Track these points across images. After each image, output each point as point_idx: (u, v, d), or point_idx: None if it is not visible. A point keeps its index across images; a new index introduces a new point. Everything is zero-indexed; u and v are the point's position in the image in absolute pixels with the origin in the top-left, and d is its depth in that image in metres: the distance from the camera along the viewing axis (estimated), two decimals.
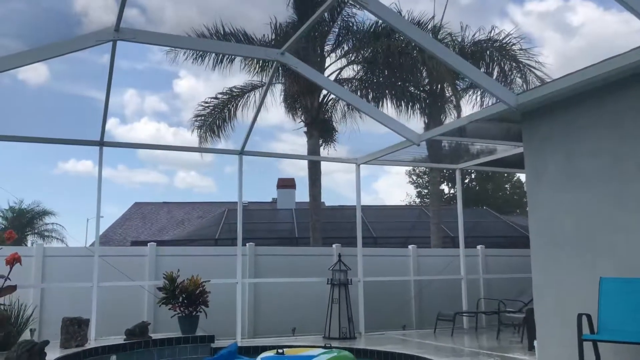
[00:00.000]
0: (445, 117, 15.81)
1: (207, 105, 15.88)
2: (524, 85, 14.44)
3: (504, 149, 10.42)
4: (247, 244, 11.36)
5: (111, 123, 34.91)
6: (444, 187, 35.39)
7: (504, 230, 20.96)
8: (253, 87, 15.75)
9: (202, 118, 15.82)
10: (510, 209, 34.01)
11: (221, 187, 50.37)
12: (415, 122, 15.60)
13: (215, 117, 15.81)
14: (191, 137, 15.72)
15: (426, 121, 15.65)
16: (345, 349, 7.57)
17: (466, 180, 36.52)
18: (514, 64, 14.75)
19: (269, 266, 11.60)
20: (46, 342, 6.16)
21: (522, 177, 35.54)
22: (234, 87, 15.79)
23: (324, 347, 7.56)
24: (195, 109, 16.03)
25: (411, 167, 36.64)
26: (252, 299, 11.25)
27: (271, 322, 11.10)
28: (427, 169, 32.92)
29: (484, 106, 15.33)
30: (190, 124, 15.86)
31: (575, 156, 6.53)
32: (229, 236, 18.77)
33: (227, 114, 15.83)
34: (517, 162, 10.48)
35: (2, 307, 7.42)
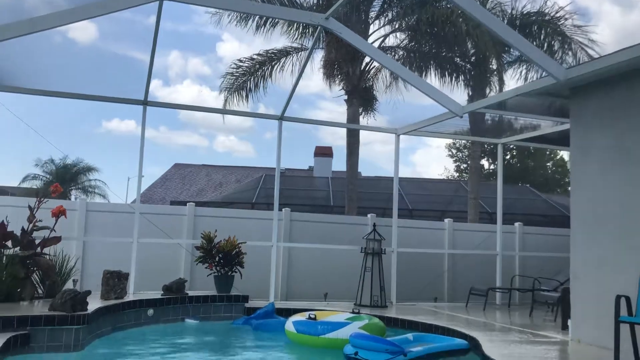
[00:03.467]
0: (490, 91, 15.45)
1: (240, 65, 15.39)
2: (574, 62, 13.94)
3: (548, 125, 10.15)
4: (283, 209, 11.46)
5: (154, 84, 35.38)
6: (484, 163, 34.82)
7: (544, 208, 20.58)
8: (289, 52, 15.47)
9: (234, 78, 15.34)
10: (551, 188, 33.27)
11: (260, 152, 50.79)
12: (459, 94, 15.32)
13: (247, 79, 15.41)
14: (235, 103, 15.55)
15: (470, 93, 15.33)
16: (376, 317, 7.64)
17: (507, 157, 35.82)
18: (565, 39, 14.22)
19: (304, 232, 11.70)
20: (88, 292, 6.40)
21: (565, 155, 34.64)
22: (271, 49, 15.43)
23: (352, 312, 7.66)
24: (227, 67, 15.65)
25: (451, 141, 36.11)
26: (286, 263, 11.41)
27: (304, 286, 11.26)
28: (468, 143, 32.37)
29: (528, 81, 14.92)
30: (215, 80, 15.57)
31: (627, 134, 6.31)
32: (265, 201, 18.99)
33: (260, 77, 15.48)
34: (561, 139, 10.20)
35: (47, 257, 7.72)
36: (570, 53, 14.30)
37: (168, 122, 52.21)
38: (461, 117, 9.00)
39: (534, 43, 14.31)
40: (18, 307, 6.62)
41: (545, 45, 14.48)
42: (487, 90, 15.57)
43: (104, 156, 52.47)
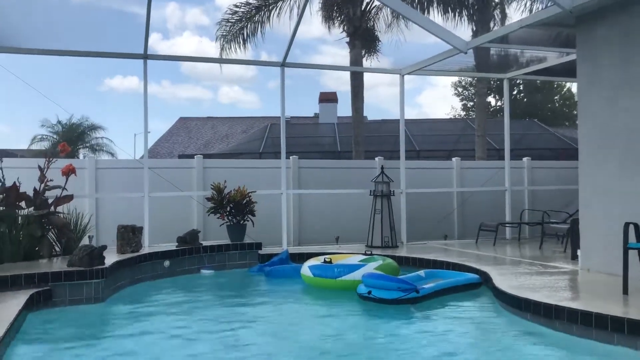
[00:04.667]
0: (495, 25, 15.12)
1: (236, 10, 14.96)
2: None
3: (554, 57, 9.96)
4: (290, 157, 11.49)
5: (154, 38, 34.87)
6: (491, 100, 34.46)
7: (552, 142, 20.48)
8: None
9: (230, 25, 14.96)
10: (559, 121, 32.99)
11: (264, 101, 50.48)
12: (463, 30, 14.99)
13: (244, 26, 15.02)
14: (235, 51, 15.27)
15: (474, 29, 15.00)
16: (387, 256, 7.76)
17: (514, 92, 35.39)
18: None
19: (312, 179, 11.76)
20: (104, 247, 6.54)
21: (573, 88, 34.11)
22: None
23: (365, 254, 7.79)
24: (222, 13, 15.35)
25: (457, 79, 35.65)
26: (296, 210, 11.53)
27: (315, 231, 11.41)
28: (474, 80, 31.93)
29: (533, 12, 14.55)
30: (215, 32, 15.09)
31: (635, 61, 6.20)
32: (272, 150, 19.01)
33: (258, 23, 15.05)
34: (567, 71, 10.05)
35: (61, 215, 7.85)
36: None
37: (170, 76, 51.71)
38: (465, 53, 8.84)
39: None
40: (38, 264, 6.78)
41: None
42: (492, 25, 15.23)
43: (109, 114, 52.33)
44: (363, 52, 15.79)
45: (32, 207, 7.57)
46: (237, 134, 28.24)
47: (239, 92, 52.10)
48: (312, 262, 7.38)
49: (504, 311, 5.54)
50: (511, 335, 4.93)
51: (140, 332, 5.15)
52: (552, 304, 4.89)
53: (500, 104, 34.28)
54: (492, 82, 29.63)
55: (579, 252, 7.05)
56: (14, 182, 7.43)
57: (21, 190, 7.48)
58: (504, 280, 6.15)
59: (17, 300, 5.29)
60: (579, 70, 6.96)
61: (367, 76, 16.15)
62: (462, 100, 37.52)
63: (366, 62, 15.95)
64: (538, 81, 33.20)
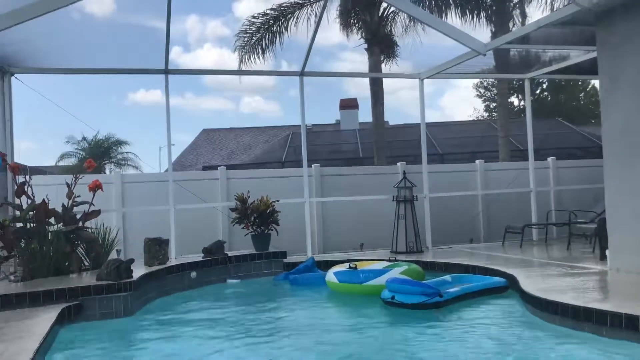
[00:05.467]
0: (514, 25, 15.00)
1: (254, 21, 15.02)
2: None
3: (576, 55, 9.85)
4: (312, 165, 11.54)
5: (175, 52, 35.32)
6: (514, 100, 34.11)
7: (578, 141, 20.18)
8: (303, 5, 14.98)
9: (248, 36, 15.02)
10: (585, 119, 32.47)
11: (286, 110, 50.71)
12: (482, 32, 14.88)
13: (262, 36, 15.07)
14: (255, 61, 15.37)
15: (493, 30, 14.90)
16: (412, 262, 7.74)
17: (537, 91, 34.96)
18: None
19: (335, 186, 11.79)
20: (132, 261, 6.64)
21: (597, 84, 33.64)
22: (284, 2, 15.03)
23: (389, 260, 7.77)
24: (240, 26, 15.33)
25: (478, 80, 35.37)
26: (320, 218, 11.56)
27: (339, 239, 11.43)
28: (495, 81, 31.65)
29: (555, 10, 14.38)
30: (233, 42, 15.22)
31: None
32: (294, 159, 19.10)
33: (276, 33, 15.11)
34: (590, 68, 9.89)
35: (89, 230, 8.00)
36: None
37: (193, 88, 52.42)
38: (484, 55, 8.81)
39: None
40: (68, 279, 6.92)
41: None
42: (511, 25, 15.11)
43: (133, 128, 53.16)
44: (382, 58, 15.79)
45: (61, 223, 7.74)
46: (260, 143, 28.43)
47: (260, 102, 52.50)
48: (337, 268, 7.41)
49: (531, 315, 5.47)
50: (539, 338, 4.87)
51: (170, 344, 5.23)
52: (580, 306, 4.82)
53: (523, 103, 33.89)
54: (514, 82, 29.32)
55: (607, 252, 6.93)
56: (43, 199, 7.60)
57: (50, 206, 7.64)
58: (531, 282, 6.08)
59: (49, 315, 5.41)
60: (600, 68, 6.88)
61: (387, 81, 16.16)
62: (484, 101, 37.21)
63: (385, 67, 15.95)
64: (562, 80, 32.79)
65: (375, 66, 15.26)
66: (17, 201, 7.89)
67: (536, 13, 14.90)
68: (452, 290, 6.25)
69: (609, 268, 6.78)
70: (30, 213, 7.47)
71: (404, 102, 50.82)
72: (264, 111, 52.07)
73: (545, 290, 5.64)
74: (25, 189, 7.75)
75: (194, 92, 50.37)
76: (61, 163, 28.33)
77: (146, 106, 48.85)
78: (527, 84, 11.52)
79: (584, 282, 6.07)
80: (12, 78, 8.71)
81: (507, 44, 8.90)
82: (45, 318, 5.30)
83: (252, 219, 9.20)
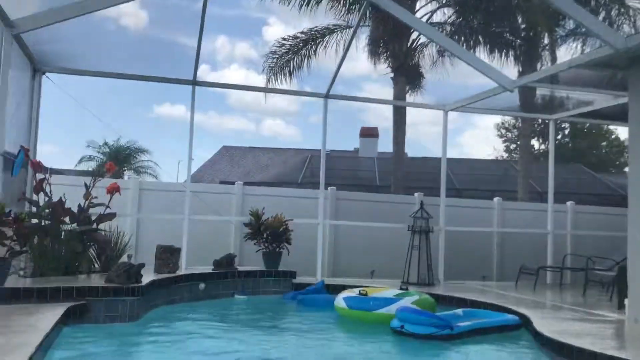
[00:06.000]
0: (542, 66, 14.97)
1: (284, 43, 15.17)
2: (632, 30, 13.29)
3: (604, 99, 9.77)
4: (328, 188, 11.49)
5: (202, 70, 35.75)
6: (534, 143, 33.87)
7: (598, 188, 19.94)
8: (333, 30, 15.13)
9: (277, 57, 15.12)
10: (605, 168, 32.11)
11: (305, 136, 50.77)
12: (509, 71, 14.87)
13: (290, 58, 15.17)
14: (281, 83, 15.46)
15: (520, 70, 14.88)
16: (424, 293, 7.59)
17: (559, 137, 34.72)
18: (622, 6, 13.53)
19: (350, 211, 11.71)
20: (142, 265, 6.60)
21: (621, 134, 33.31)
22: (315, 27, 15.16)
23: (400, 289, 7.64)
24: (270, 47, 15.42)
25: (500, 120, 35.30)
26: (332, 241, 11.46)
27: (350, 264, 11.29)
28: (518, 123, 31.50)
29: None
30: (262, 62, 15.36)
31: None
32: (311, 181, 19.07)
33: (304, 56, 15.22)
34: (617, 114, 9.80)
35: (103, 232, 8.00)
36: (628, 21, 13.62)
37: (217, 107, 52.76)
38: (512, 91, 8.76)
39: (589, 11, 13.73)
40: (76, 279, 6.89)
41: (604, 13, 13.81)
42: (539, 66, 15.09)
43: (155, 139, 53.59)
44: (407, 88, 15.81)
45: (76, 223, 7.75)
46: (278, 164, 28.47)
47: (281, 125, 52.75)
48: (347, 293, 7.29)
49: (544, 356, 5.31)
50: None
51: (172, 352, 5.14)
52: (597, 352, 4.66)
53: (543, 147, 33.67)
54: (535, 126, 29.19)
55: (626, 302, 6.74)
56: (60, 198, 7.62)
57: (66, 206, 7.66)
58: (545, 324, 5.92)
59: (54, 312, 5.36)
60: (630, 112, 6.78)
61: (409, 113, 16.11)
62: (504, 142, 37.02)
63: (409, 98, 15.96)
64: (585, 128, 32.59)
65: (399, 96, 15.27)
66: (35, 197, 7.94)
67: (565, 56, 14.91)
68: (463, 324, 6.10)
69: (627, 317, 6.58)
70: (46, 210, 7.49)
71: (424, 137, 50.70)
72: (284, 135, 52.32)
73: (560, 332, 5.48)
74: (44, 187, 7.79)
75: (217, 110, 50.81)
76: (81, 166, 28.57)
77: (170, 120, 49.33)
78: (551, 125, 11.43)
79: (600, 329, 5.91)
80: (44, 77, 8.84)
81: (535, 82, 8.87)
82: (50, 315, 5.25)
83: (265, 235, 9.15)
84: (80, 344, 5.05)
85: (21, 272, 7.15)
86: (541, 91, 11.33)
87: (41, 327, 4.70)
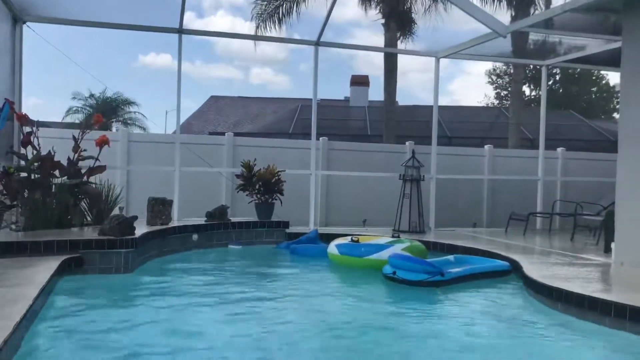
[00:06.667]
0: (535, 10, 14.72)
1: None
2: None
3: (596, 44, 9.66)
4: (320, 139, 11.45)
5: (188, 17, 34.87)
6: (525, 89, 33.72)
7: (588, 134, 20.01)
8: None
9: (265, 3, 14.82)
10: (595, 114, 32.15)
11: (295, 84, 50.32)
12: (501, 16, 14.61)
13: (279, 4, 14.82)
14: (270, 30, 15.13)
15: (513, 14, 14.65)
16: (416, 241, 7.68)
17: (550, 82, 34.57)
18: None
19: (342, 161, 11.72)
20: (135, 217, 6.60)
21: (611, 80, 33.22)
22: None
23: (392, 237, 7.73)
24: None
25: (491, 67, 35.04)
26: (324, 191, 11.51)
27: (342, 213, 11.40)
28: (509, 69, 31.28)
29: None
30: (250, 10, 14.98)
31: None
32: (301, 131, 18.98)
33: (293, 2, 14.87)
34: (609, 60, 9.73)
35: (94, 185, 7.96)
36: None
37: (203, 56, 51.86)
38: (505, 37, 8.64)
39: None
40: (69, 232, 6.90)
41: None
42: (532, 11, 14.84)
43: (141, 90, 52.80)
44: (398, 35, 15.56)
45: (66, 176, 7.69)
46: (267, 114, 28.24)
47: (270, 74, 52.06)
48: (339, 241, 7.38)
49: (534, 300, 5.43)
50: (540, 324, 4.82)
51: (166, 301, 5.22)
52: (585, 295, 4.77)
53: (534, 94, 33.59)
54: (527, 72, 28.99)
55: (612, 246, 6.87)
56: (49, 151, 7.54)
57: (55, 159, 7.59)
58: (534, 269, 6.03)
59: (49, 265, 5.38)
60: (623, 57, 6.72)
61: (399, 61, 15.93)
62: (495, 88, 36.84)
63: (401, 45, 15.73)
64: (576, 73, 32.40)
65: (391, 43, 15.05)
66: (23, 151, 7.85)
67: (559, 1, 14.64)
68: (454, 270, 6.21)
69: (613, 261, 6.72)
70: (36, 164, 7.42)
71: (414, 85, 50.39)
72: (273, 83, 51.71)
73: (549, 277, 5.59)
74: (32, 140, 7.69)
75: (204, 59, 49.93)
76: (67, 119, 28.20)
77: (155, 69, 48.48)
78: (544, 71, 11.36)
79: (588, 273, 6.03)
80: (25, 27, 8.58)
81: (529, 27, 8.74)
82: (45, 268, 5.27)
83: (257, 187, 9.14)
84: (76, 296, 5.09)
85: (13, 226, 7.14)
86: (533, 36, 11.17)
87: (37, 280, 4.72)
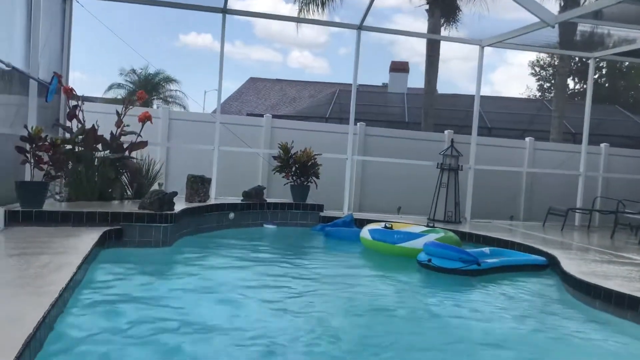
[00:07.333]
0: (585, 1, 14.28)
1: None
2: None
3: None
4: (357, 124, 11.41)
5: None
6: (569, 82, 32.84)
7: (634, 130, 19.40)
8: None
9: None
10: None
11: (333, 68, 50.06)
12: (550, 5, 14.24)
13: None
14: (313, 13, 15.07)
15: (562, 3, 14.24)
16: (450, 231, 7.63)
17: (595, 76, 33.57)
18: None
19: (378, 147, 11.65)
20: (175, 193, 6.72)
21: None
22: None
23: (427, 226, 7.69)
24: None
25: (535, 58, 34.21)
26: (359, 177, 11.49)
27: (376, 200, 11.37)
28: (553, 61, 30.49)
29: None
30: None
31: None
32: (338, 116, 18.94)
33: None
34: None
35: (135, 160, 8.13)
36: None
37: (244, 37, 52.08)
38: (553, 27, 8.41)
39: None
40: (110, 205, 7.07)
41: None
42: (581, 1, 14.41)
43: (181, 69, 53.41)
44: (442, 22, 15.31)
45: (108, 151, 7.87)
46: (305, 97, 28.27)
47: (308, 58, 51.93)
48: (373, 226, 7.36)
49: (570, 296, 5.34)
50: (577, 320, 4.75)
51: (202, 273, 5.36)
52: (625, 293, 4.67)
53: (579, 87, 32.70)
54: (572, 64, 28.21)
55: None
56: (93, 125, 7.71)
57: (99, 133, 7.76)
58: (572, 265, 5.92)
59: (91, 235, 5.54)
60: None
61: (442, 49, 15.68)
62: (538, 80, 35.97)
63: (444, 32, 15.49)
64: (623, 67, 31.38)
65: (434, 29, 14.83)
66: (68, 124, 8.05)
67: None
68: (490, 260, 6.15)
69: None
70: (80, 137, 7.60)
71: (455, 74, 49.61)
72: (312, 67, 51.60)
73: (588, 274, 5.48)
74: (77, 114, 7.88)
75: (244, 40, 50.16)
76: (110, 94, 28.75)
77: (196, 49, 48.92)
78: (591, 64, 11.02)
79: (628, 272, 5.88)
80: (74, 1, 8.75)
81: (578, 18, 8.49)
82: (87, 238, 5.42)
83: (294, 169, 9.19)
84: (116, 266, 5.24)
85: (57, 197, 7.36)
86: (582, 27, 10.87)
87: (80, 249, 4.87)
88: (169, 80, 30.30)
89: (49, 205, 6.51)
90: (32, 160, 6.17)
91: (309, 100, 27.11)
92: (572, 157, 11.51)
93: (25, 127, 6.28)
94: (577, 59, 26.43)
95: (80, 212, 6.16)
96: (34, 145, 6.12)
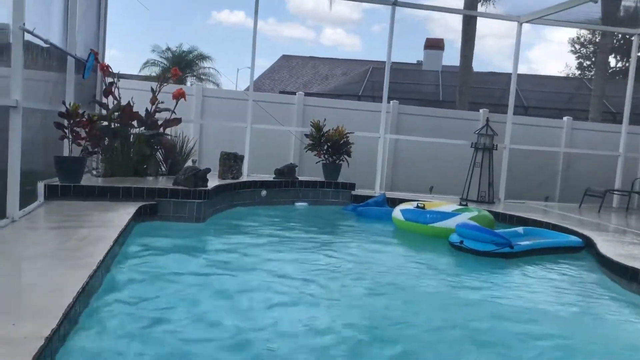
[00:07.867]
0: None
1: None
2: None
3: None
4: (390, 102, 11.30)
5: None
6: (611, 60, 31.80)
7: None
8: None
9: None
10: None
11: (366, 46, 49.57)
12: None
13: None
14: None
15: None
16: (484, 210, 7.53)
17: (639, 54, 32.45)
18: None
19: (412, 125, 11.53)
20: (208, 170, 6.79)
21: None
22: None
23: (460, 204, 7.60)
24: None
25: (575, 35, 33.17)
26: (391, 156, 11.42)
27: (409, 179, 11.29)
28: (594, 37, 29.55)
29: None
30: None
31: None
32: (371, 94, 18.79)
33: None
34: None
35: (169, 136, 8.23)
36: None
37: (277, 14, 52.00)
38: (596, 2, 8.13)
39: None
40: (145, 181, 7.19)
41: None
42: None
43: (214, 46, 53.72)
44: None
45: (143, 127, 7.98)
46: (337, 75, 28.07)
47: (341, 35, 51.49)
48: (405, 206, 7.31)
49: (607, 279, 5.24)
50: (612, 304, 4.66)
51: (236, 248, 5.45)
52: None
53: (621, 65, 31.62)
54: (614, 41, 27.27)
55: None
56: (128, 102, 7.82)
57: (134, 110, 7.87)
58: (609, 247, 5.80)
59: (127, 210, 5.66)
60: None
61: (478, 26, 15.33)
62: (578, 58, 34.91)
63: (481, 8, 15.14)
64: None
65: (471, 6, 14.51)
66: (104, 101, 8.19)
67: None
68: (524, 243, 6.06)
69: None
70: (116, 113, 7.72)
71: (490, 51, 48.55)
72: (344, 44, 51.17)
73: (625, 256, 5.36)
74: (113, 90, 7.99)
75: (277, 17, 50.01)
76: (144, 71, 29.07)
77: (228, 26, 49.05)
78: (635, 40, 10.63)
79: None
80: None
81: None
82: (123, 212, 5.54)
83: (326, 147, 9.18)
84: (152, 240, 5.34)
85: (94, 172, 7.53)
86: (626, 2, 10.48)
87: (117, 223, 4.98)
88: (202, 57, 30.45)
89: (86, 180, 6.66)
90: (70, 136, 6.30)
91: (342, 78, 26.92)
92: (611, 137, 11.19)
93: (64, 103, 6.40)
94: (619, 35, 25.50)
95: (116, 187, 6.29)
96: (71, 121, 6.24)
